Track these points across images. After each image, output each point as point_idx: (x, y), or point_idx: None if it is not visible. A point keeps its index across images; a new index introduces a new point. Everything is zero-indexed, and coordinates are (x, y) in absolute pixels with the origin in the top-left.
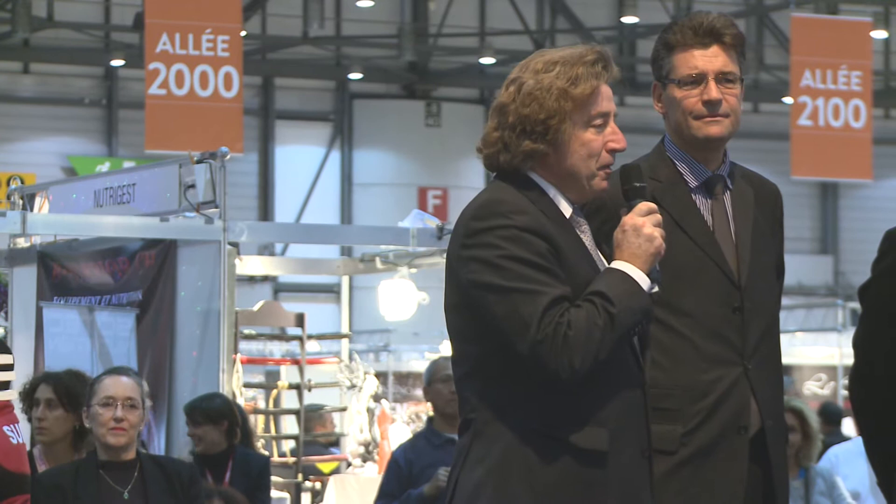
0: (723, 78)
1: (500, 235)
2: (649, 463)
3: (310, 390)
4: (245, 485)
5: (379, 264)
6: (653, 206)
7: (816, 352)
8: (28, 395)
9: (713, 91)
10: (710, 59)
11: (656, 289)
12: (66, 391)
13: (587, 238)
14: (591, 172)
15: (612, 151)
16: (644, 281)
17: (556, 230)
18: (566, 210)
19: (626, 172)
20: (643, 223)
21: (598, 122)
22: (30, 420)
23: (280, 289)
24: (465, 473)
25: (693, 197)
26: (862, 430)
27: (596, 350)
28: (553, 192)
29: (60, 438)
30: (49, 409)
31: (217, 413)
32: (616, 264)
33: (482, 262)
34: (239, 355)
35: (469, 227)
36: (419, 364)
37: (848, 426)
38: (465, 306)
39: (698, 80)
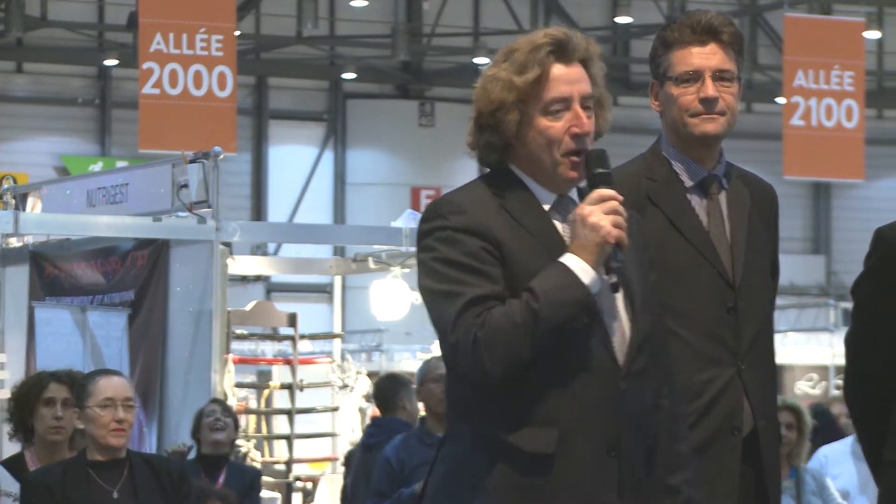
0: (720, 76)
1: (436, 237)
2: (621, 462)
3: (302, 390)
4: (239, 489)
5: (371, 264)
6: (607, 192)
7: (808, 352)
8: (28, 395)
9: (710, 89)
10: (707, 56)
11: (614, 279)
12: (75, 390)
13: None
14: (555, 160)
15: (575, 137)
16: (586, 272)
17: (510, 226)
18: (546, 202)
19: (589, 158)
20: (590, 212)
21: (555, 108)
22: (14, 420)
23: (272, 289)
24: (432, 475)
25: (688, 196)
26: (856, 426)
27: (510, 349)
28: (533, 185)
29: (67, 438)
30: (66, 408)
31: (234, 415)
32: (563, 257)
33: (421, 264)
34: (231, 355)
35: (418, 229)
36: (411, 364)
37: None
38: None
39: (695, 77)
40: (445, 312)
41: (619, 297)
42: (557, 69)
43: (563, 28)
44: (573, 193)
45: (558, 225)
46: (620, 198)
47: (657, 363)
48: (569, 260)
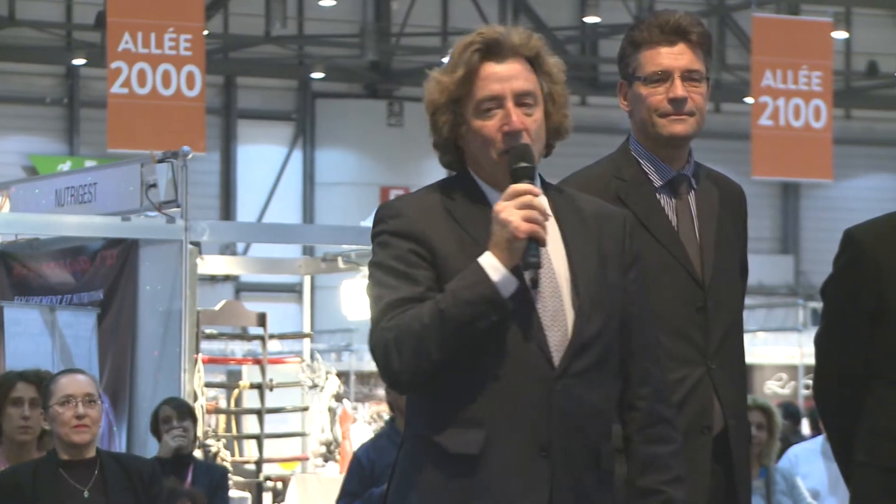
0: (688, 76)
1: (375, 242)
2: (553, 463)
3: (271, 390)
4: (206, 487)
5: (341, 264)
6: (521, 187)
7: (777, 351)
8: None
9: (679, 89)
10: (676, 56)
11: (532, 274)
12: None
13: None
14: (492, 160)
15: (506, 135)
16: (496, 270)
17: (451, 229)
18: (496, 203)
19: (510, 154)
20: (502, 208)
21: (487, 106)
22: None
23: (242, 288)
24: (392, 476)
25: (658, 196)
26: (825, 426)
27: (417, 351)
28: (484, 186)
29: (35, 438)
30: (33, 408)
31: (191, 412)
32: (481, 255)
33: (367, 268)
34: (200, 355)
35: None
36: None
37: (806, 426)
38: None
39: (664, 77)
40: (372, 315)
41: (567, 297)
42: (488, 68)
43: (500, 26)
44: None
45: None
46: (537, 191)
47: (608, 364)
48: (483, 258)
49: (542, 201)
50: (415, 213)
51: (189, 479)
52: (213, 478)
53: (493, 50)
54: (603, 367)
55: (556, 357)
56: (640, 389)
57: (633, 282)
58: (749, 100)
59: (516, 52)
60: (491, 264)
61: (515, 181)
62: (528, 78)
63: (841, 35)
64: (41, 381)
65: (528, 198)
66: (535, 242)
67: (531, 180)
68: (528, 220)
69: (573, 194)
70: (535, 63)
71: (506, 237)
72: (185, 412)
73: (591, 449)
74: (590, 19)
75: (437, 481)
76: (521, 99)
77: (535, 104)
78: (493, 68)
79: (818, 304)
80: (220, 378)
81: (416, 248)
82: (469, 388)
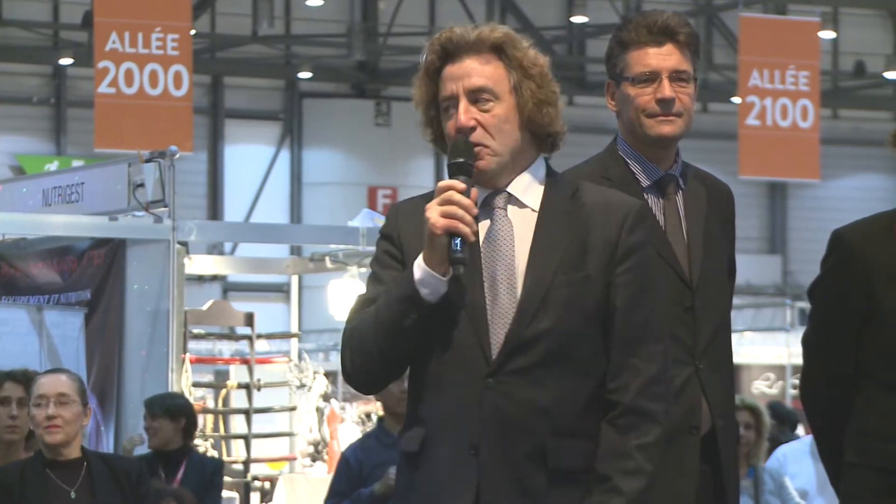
0: (676, 77)
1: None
2: (480, 461)
3: (259, 390)
4: (196, 484)
5: (328, 264)
6: (444, 184)
7: (765, 351)
8: None
9: (667, 89)
10: (664, 57)
11: (457, 270)
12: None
13: (494, 227)
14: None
15: (457, 132)
16: (419, 267)
17: (422, 226)
18: (479, 200)
19: (450, 149)
20: (429, 206)
21: (446, 105)
22: None
23: (229, 288)
24: None
25: (645, 196)
26: (812, 427)
27: (360, 350)
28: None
29: (23, 437)
30: (20, 408)
31: (177, 409)
32: None
33: None
34: (188, 355)
35: None
36: None
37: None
38: None
39: (652, 78)
40: None
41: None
42: (447, 68)
43: (464, 25)
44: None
45: (482, 224)
46: (460, 186)
47: (564, 361)
48: (418, 258)
49: (466, 196)
50: (401, 213)
51: (181, 473)
52: (206, 473)
53: (448, 50)
54: (554, 365)
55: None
56: (610, 384)
57: (623, 274)
58: (736, 99)
59: (475, 48)
60: (417, 262)
61: (450, 177)
62: (485, 73)
63: (828, 35)
64: (29, 381)
65: (448, 193)
66: (460, 238)
67: (468, 176)
68: (446, 215)
69: (580, 187)
70: (502, 57)
71: (427, 234)
72: (161, 409)
73: (535, 447)
74: (577, 19)
75: (400, 479)
76: (476, 95)
77: (495, 99)
78: (449, 68)
79: (806, 304)
80: (208, 378)
81: (390, 248)
82: (417, 387)
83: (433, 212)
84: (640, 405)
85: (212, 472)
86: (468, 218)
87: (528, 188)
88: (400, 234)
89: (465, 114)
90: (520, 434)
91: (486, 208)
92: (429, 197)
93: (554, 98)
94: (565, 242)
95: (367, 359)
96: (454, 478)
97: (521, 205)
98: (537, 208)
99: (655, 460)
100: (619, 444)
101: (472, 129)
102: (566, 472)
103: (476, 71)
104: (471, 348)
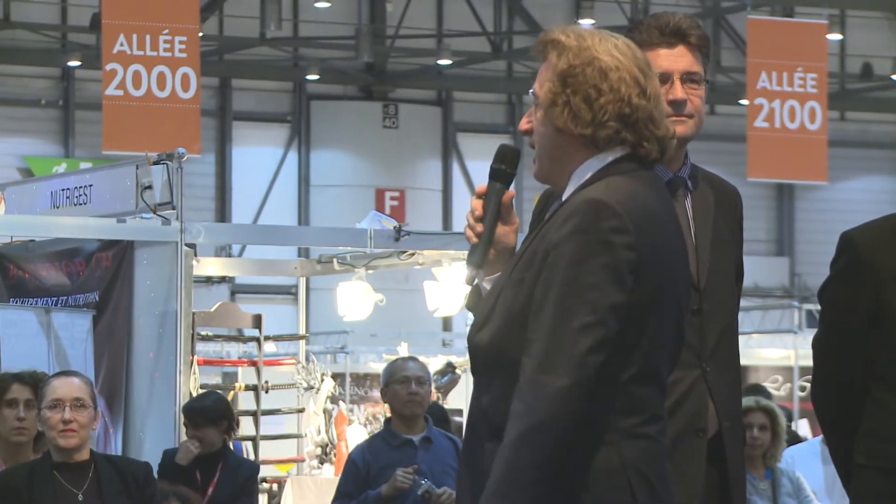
0: (688, 78)
1: None
2: (462, 465)
3: (267, 392)
4: (231, 488)
5: (336, 265)
6: (479, 189)
7: (772, 353)
8: None
9: (679, 91)
10: (675, 58)
11: (479, 280)
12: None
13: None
14: None
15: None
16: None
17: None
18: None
19: (496, 152)
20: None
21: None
22: None
23: (237, 290)
24: None
25: None
26: (823, 429)
27: None
28: None
29: (32, 438)
30: (28, 410)
31: (217, 413)
32: None
33: None
34: (196, 356)
35: None
36: (377, 365)
37: (803, 427)
38: None
39: (663, 79)
40: None
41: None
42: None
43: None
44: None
45: None
46: (479, 190)
47: (501, 367)
48: None
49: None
50: None
51: (218, 473)
52: (243, 472)
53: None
54: (494, 370)
55: None
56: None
57: (541, 273)
58: (744, 102)
59: (543, 51)
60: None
61: (490, 180)
62: (538, 78)
63: (835, 37)
64: (36, 383)
65: (475, 202)
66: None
67: (498, 181)
68: (477, 217)
69: (591, 185)
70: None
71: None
72: (205, 417)
73: (481, 451)
74: (584, 21)
75: None
76: (533, 100)
77: (537, 104)
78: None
79: (813, 306)
80: (216, 380)
81: None
82: None
83: (469, 218)
84: (512, 407)
85: (246, 478)
86: (470, 221)
87: (569, 191)
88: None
89: (524, 118)
90: (473, 437)
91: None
92: None
93: (575, 96)
94: (525, 246)
95: None
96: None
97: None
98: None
99: (508, 459)
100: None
101: (527, 133)
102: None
103: (538, 76)
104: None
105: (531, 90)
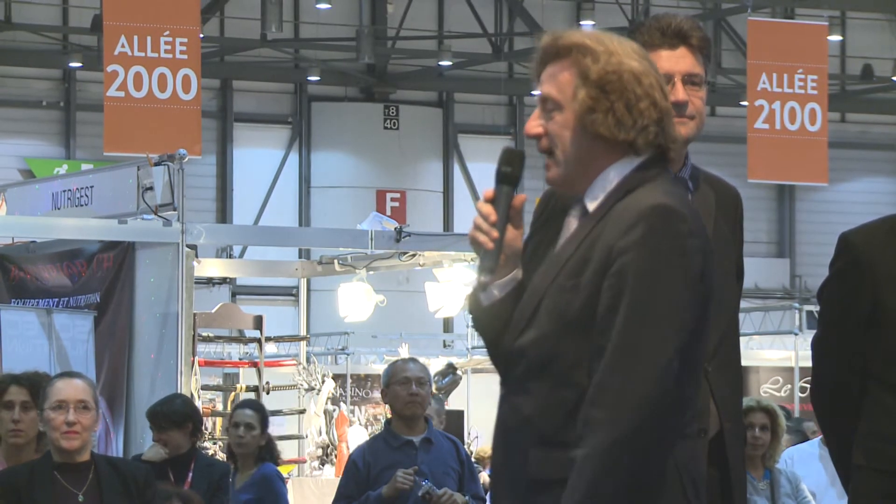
0: (689, 80)
1: None
2: (496, 473)
3: (268, 393)
4: (205, 488)
5: (337, 267)
6: (486, 193)
7: (773, 354)
8: None
9: (680, 92)
10: (677, 60)
11: (489, 285)
12: (38, 393)
13: (565, 234)
14: None
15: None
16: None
17: (540, 235)
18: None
19: (500, 155)
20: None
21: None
22: None
23: (238, 291)
24: None
25: None
26: (823, 429)
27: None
28: None
29: (31, 440)
30: (24, 411)
31: (181, 416)
32: None
33: None
34: (197, 357)
35: None
36: (377, 366)
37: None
38: None
39: (665, 80)
40: None
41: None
42: (544, 71)
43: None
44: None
45: (568, 228)
46: (487, 195)
47: (548, 371)
48: None
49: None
50: None
51: (191, 473)
52: (216, 472)
53: (541, 57)
54: (539, 376)
55: None
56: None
57: (608, 279)
58: (745, 103)
59: (552, 54)
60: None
61: (496, 184)
62: (553, 81)
63: (836, 38)
64: (35, 384)
65: (483, 207)
66: (484, 248)
67: (505, 184)
68: (473, 225)
69: (636, 189)
70: (573, 63)
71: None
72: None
73: (523, 458)
74: (585, 23)
75: None
76: (544, 104)
77: (557, 108)
78: (543, 73)
79: (814, 308)
80: (217, 381)
81: None
82: None
83: (475, 220)
84: (588, 414)
85: (220, 476)
86: (484, 226)
87: (596, 196)
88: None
89: (532, 121)
90: (511, 443)
91: (574, 213)
92: None
93: (611, 103)
94: (572, 250)
95: None
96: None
97: (586, 212)
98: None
99: (596, 469)
100: (573, 461)
101: (537, 137)
102: (546, 483)
103: (547, 79)
104: (496, 358)
105: (540, 92)
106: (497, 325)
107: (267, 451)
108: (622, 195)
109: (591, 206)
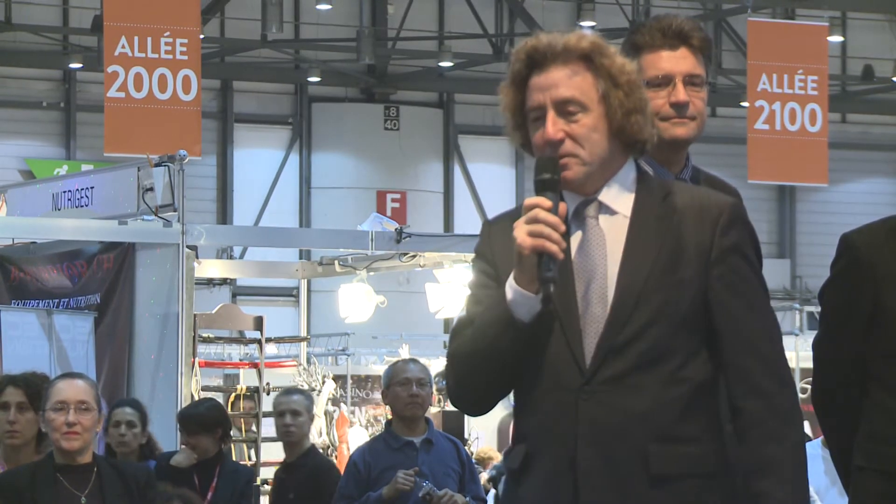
0: (690, 80)
1: None
2: (578, 476)
3: (268, 394)
4: (229, 493)
5: (338, 267)
6: (530, 201)
7: None
8: None
9: (681, 93)
10: (678, 60)
11: (546, 290)
12: (36, 393)
13: (586, 237)
14: None
15: (545, 145)
16: (510, 288)
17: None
18: (571, 209)
19: (536, 165)
20: (517, 225)
21: (534, 116)
22: None
23: (238, 292)
24: None
25: None
26: (824, 430)
27: (462, 373)
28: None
29: (29, 441)
30: (20, 413)
31: (211, 421)
32: None
33: None
34: (197, 358)
35: None
36: (378, 367)
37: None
38: None
39: (666, 81)
40: None
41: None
42: (534, 78)
43: (553, 33)
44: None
45: (575, 234)
46: (546, 203)
47: (659, 364)
48: (509, 278)
49: (554, 212)
50: (494, 230)
51: (216, 479)
52: (241, 478)
53: (535, 58)
54: (650, 369)
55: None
56: (735, 389)
57: (720, 278)
58: (745, 104)
59: (561, 57)
60: (509, 283)
61: (536, 193)
62: (573, 84)
63: (836, 39)
64: (32, 385)
65: (535, 212)
66: (548, 257)
67: (554, 192)
68: (534, 234)
69: (672, 189)
70: (590, 66)
71: (515, 254)
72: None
73: (637, 454)
74: (585, 23)
75: (504, 496)
76: (563, 107)
77: (583, 109)
78: (536, 78)
79: (815, 308)
80: (217, 382)
81: (485, 267)
82: (519, 405)
83: (521, 231)
84: (781, 404)
85: (245, 481)
86: (555, 236)
87: (618, 195)
88: (493, 252)
89: (553, 126)
90: (618, 442)
91: (577, 218)
92: (518, 213)
93: (642, 105)
94: (657, 247)
95: (467, 381)
96: (549, 495)
97: (613, 212)
98: (629, 214)
99: (803, 457)
100: (765, 457)
101: (561, 141)
102: (668, 478)
103: (563, 81)
104: (564, 361)
105: (560, 96)
106: (542, 333)
107: (148, 449)
108: (666, 193)
109: (620, 205)
